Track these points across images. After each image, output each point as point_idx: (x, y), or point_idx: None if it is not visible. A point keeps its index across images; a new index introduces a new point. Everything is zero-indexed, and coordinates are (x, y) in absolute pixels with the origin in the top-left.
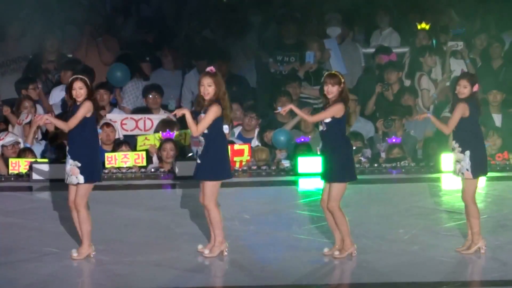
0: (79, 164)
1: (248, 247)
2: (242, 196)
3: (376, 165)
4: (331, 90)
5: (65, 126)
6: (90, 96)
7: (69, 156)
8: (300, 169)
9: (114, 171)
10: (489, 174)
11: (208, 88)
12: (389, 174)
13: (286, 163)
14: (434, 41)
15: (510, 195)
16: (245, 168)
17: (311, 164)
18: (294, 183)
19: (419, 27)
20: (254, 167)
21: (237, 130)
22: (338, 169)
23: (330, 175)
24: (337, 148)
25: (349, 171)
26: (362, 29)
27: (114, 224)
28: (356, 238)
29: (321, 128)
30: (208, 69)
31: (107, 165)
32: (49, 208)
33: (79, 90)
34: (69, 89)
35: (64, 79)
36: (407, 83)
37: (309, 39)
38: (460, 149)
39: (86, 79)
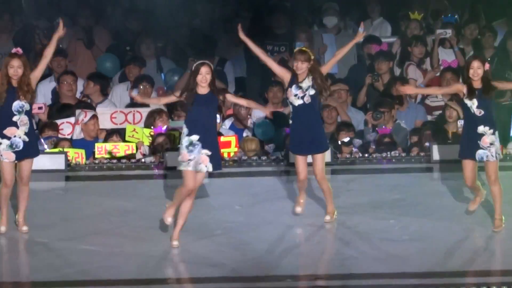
0: (209, 153)
1: (239, 238)
2: (233, 186)
3: (366, 155)
4: (301, 67)
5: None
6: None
7: (200, 145)
8: (292, 159)
9: (105, 161)
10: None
11: (206, 76)
12: (380, 164)
13: (273, 156)
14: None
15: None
16: (235, 158)
17: None
18: (286, 173)
19: (411, 16)
20: (245, 158)
21: (229, 122)
22: (325, 139)
23: (321, 145)
24: (319, 119)
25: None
26: (353, 19)
27: (104, 214)
28: (347, 228)
29: (303, 101)
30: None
31: (97, 155)
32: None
33: (206, 76)
34: (194, 74)
35: (57, 70)
36: (399, 72)
37: (299, 29)
38: (491, 131)
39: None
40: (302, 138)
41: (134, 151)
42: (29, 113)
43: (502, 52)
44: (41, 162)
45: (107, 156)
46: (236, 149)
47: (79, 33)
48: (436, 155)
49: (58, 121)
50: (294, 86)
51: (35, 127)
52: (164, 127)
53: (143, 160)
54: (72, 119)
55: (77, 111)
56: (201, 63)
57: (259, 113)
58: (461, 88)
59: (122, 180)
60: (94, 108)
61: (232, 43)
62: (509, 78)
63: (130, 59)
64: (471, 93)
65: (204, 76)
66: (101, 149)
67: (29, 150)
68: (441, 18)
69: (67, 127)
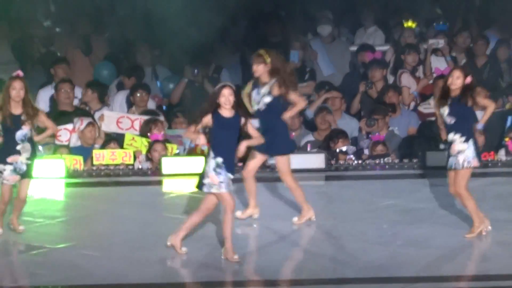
0: (232, 177)
1: (235, 243)
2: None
3: (360, 161)
4: (256, 69)
5: None
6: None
7: (224, 166)
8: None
9: (103, 167)
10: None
11: (229, 98)
12: (373, 171)
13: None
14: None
15: (492, 190)
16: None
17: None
18: (278, 178)
19: (405, 25)
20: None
21: None
22: (284, 143)
23: (278, 148)
24: (279, 123)
25: None
26: (347, 27)
27: (102, 220)
28: (340, 233)
29: (259, 108)
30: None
31: (95, 162)
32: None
33: (229, 98)
34: (216, 97)
35: (57, 76)
36: (392, 80)
37: (293, 38)
38: (463, 139)
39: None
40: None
41: (132, 158)
42: (31, 139)
43: (494, 60)
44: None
45: (105, 162)
46: None
47: (77, 41)
48: (429, 162)
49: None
50: (255, 91)
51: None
52: (161, 134)
53: (140, 166)
54: (69, 126)
55: (75, 119)
56: (222, 86)
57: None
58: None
59: (120, 186)
60: (92, 115)
61: (228, 51)
62: (501, 85)
63: (127, 70)
64: (443, 100)
65: (227, 98)
66: (99, 156)
67: (30, 172)
68: (433, 26)
69: (64, 134)
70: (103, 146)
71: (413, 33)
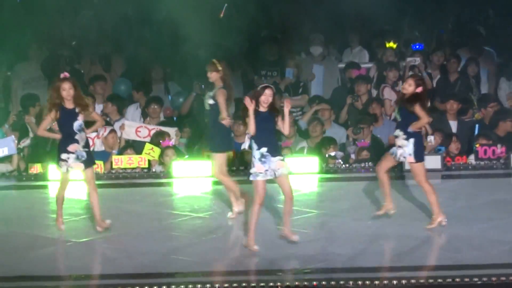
0: (282, 157)
1: (237, 237)
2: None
3: (347, 165)
4: (210, 76)
5: None
6: None
7: (269, 155)
8: None
9: (121, 171)
10: (445, 172)
11: (269, 98)
12: (359, 173)
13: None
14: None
15: (464, 191)
16: (233, 168)
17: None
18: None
19: (387, 45)
20: (242, 168)
21: None
22: (218, 142)
23: (213, 146)
24: (216, 124)
25: None
26: (336, 47)
27: (120, 216)
28: (330, 228)
29: (207, 107)
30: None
31: (114, 166)
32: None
33: (269, 98)
34: (258, 94)
35: (100, 92)
36: (375, 94)
37: (288, 57)
38: (405, 136)
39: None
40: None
41: (147, 163)
42: (84, 130)
43: (464, 76)
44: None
45: (123, 166)
46: None
47: (98, 60)
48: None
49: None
50: (209, 93)
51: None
52: (172, 140)
53: (153, 170)
54: (92, 134)
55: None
56: (265, 86)
57: None
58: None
59: (136, 187)
60: (112, 125)
61: (230, 69)
62: (471, 98)
63: (136, 85)
64: (397, 101)
65: (267, 97)
66: (118, 161)
67: (91, 159)
68: (411, 46)
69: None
70: (120, 152)
71: (394, 52)
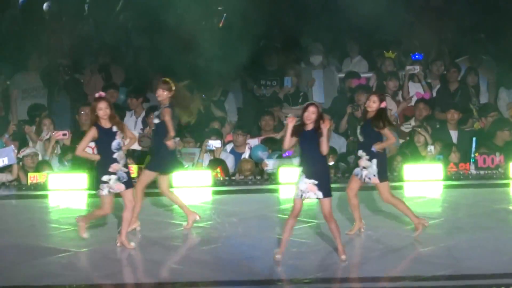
0: (316, 182)
1: (237, 247)
2: (232, 202)
3: (347, 175)
4: (161, 94)
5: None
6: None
7: (304, 175)
8: (281, 179)
9: None
10: (446, 182)
11: (312, 115)
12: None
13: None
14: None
15: (464, 201)
16: (233, 178)
17: (291, 174)
18: (276, 191)
19: (386, 55)
20: (241, 177)
21: (229, 146)
22: (164, 162)
23: (159, 166)
24: (161, 144)
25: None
26: (335, 57)
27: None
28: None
29: (152, 126)
30: None
31: None
32: (62, 212)
33: (311, 115)
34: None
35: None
36: None
37: (288, 66)
38: (367, 157)
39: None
40: (152, 155)
41: None
42: (122, 149)
43: (464, 86)
44: (66, 182)
45: None
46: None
47: (98, 69)
48: (407, 175)
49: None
50: (155, 113)
51: (58, 151)
52: None
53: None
54: (92, 144)
55: None
56: (309, 103)
57: (254, 141)
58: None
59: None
60: None
61: (230, 78)
62: (472, 108)
63: (131, 92)
64: (359, 119)
65: (309, 115)
66: None
67: (131, 181)
68: (410, 56)
69: (88, 151)
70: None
71: (393, 62)
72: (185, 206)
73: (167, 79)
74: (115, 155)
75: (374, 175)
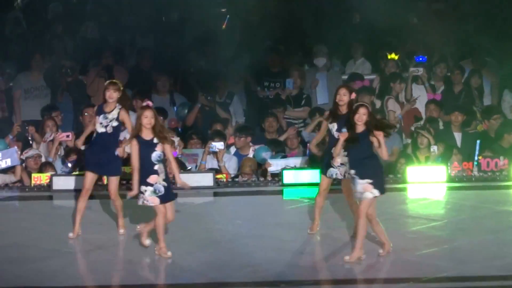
0: (371, 181)
1: (240, 248)
2: (235, 204)
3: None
4: (111, 95)
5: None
6: None
7: (357, 177)
8: (285, 180)
9: (124, 182)
10: (449, 184)
11: (363, 116)
12: None
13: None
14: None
15: (467, 202)
16: (237, 180)
17: (295, 176)
18: (280, 192)
19: (389, 57)
20: (245, 179)
21: (233, 148)
22: (118, 165)
23: (115, 170)
24: (116, 147)
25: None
26: (339, 58)
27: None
28: (334, 239)
29: (105, 130)
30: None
31: None
32: (67, 214)
33: (363, 116)
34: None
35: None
36: (378, 104)
37: (291, 68)
38: (345, 153)
39: None
40: (99, 160)
41: None
42: (164, 161)
43: (468, 88)
44: (68, 182)
45: (127, 178)
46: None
47: (101, 71)
48: (409, 177)
49: (83, 147)
50: (102, 116)
51: (62, 152)
52: (177, 150)
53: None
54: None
55: None
56: (359, 105)
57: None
58: (324, 120)
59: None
60: None
61: (233, 80)
62: (475, 110)
63: (136, 93)
64: (334, 117)
65: (360, 116)
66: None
67: (170, 194)
68: (413, 58)
69: None
70: (123, 164)
71: (396, 64)
72: (121, 215)
73: (114, 80)
74: (155, 167)
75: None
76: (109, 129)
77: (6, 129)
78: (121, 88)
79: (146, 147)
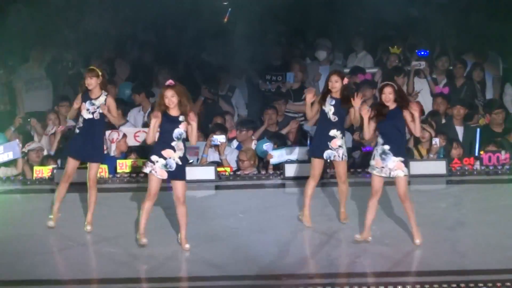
0: (403, 159)
1: (242, 242)
2: (237, 197)
3: (352, 170)
4: (90, 82)
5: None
6: None
7: (391, 154)
8: (287, 174)
9: (125, 175)
10: (450, 177)
11: (389, 95)
12: (363, 178)
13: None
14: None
15: (468, 196)
16: (239, 173)
17: (296, 170)
18: (282, 185)
19: (391, 51)
20: (247, 172)
21: (236, 142)
22: (102, 152)
23: (98, 156)
24: (102, 134)
25: None
26: (341, 51)
27: (125, 221)
28: (336, 232)
29: (92, 116)
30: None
31: (118, 170)
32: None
33: (389, 95)
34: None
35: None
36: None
37: (292, 61)
38: (341, 135)
39: None
40: (84, 146)
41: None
42: (184, 141)
43: (470, 81)
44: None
45: (128, 170)
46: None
47: (103, 65)
48: (413, 170)
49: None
50: (88, 102)
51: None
52: None
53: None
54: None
55: (107, 132)
56: (385, 84)
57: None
58: (317, 101)
59: (140, 192)
60: (117, 129)
61: (235, 73)
62: (477, 103)
63: (136, 88)
64: (325, 100)
65: (387, 96)
66: (123, 165)
67: (180, 173)
68: (415, 52)
69: None
70: (125, 157)
71: (398, 57)
72: (92, 209)
73: (92, 67)
74: (173, 143)
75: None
76: (96, 116)
77: (8, 122)
78: (100, 74)
79: (171, 123)
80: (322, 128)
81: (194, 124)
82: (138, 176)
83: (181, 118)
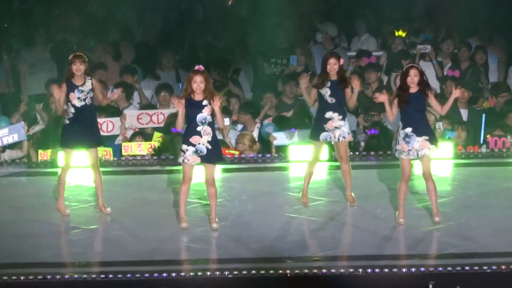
0: (427, 137)
1: (246, 224)
2: (241, 180)
3: (357, 153)
4: (78, 68)
5: None
6: None
7: (414, 135)
8: (291, 157)
9: (130, 158)
10: (456, 160)
11: (414, 78)
12: (368, 161)
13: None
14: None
15: (474, 179)
16: (243, 155)
17: (300, 152)
18: (286, 168)
19: (396, 34)
20: (251, 156)
21: (240, 125)
22: (99, 136)
23: (96, 141)
24: (96, 118)
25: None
26: (343, 35)
27: (129, 204)
28: (339, 215)
29: (85, 103)
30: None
31: (123, 153)
32: (73, 190)
33: (414, 78)
34: (404, 76)
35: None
36: (386, 80)
37: (296, 44)
38: (340, 117)
39: None
40: (83, 135)
41: (156, 149)
42: (212, 124)
43: (474, 64)
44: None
45: (133, 153)
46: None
47: (108, 48)
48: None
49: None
50: (76, 90)
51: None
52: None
53: (162, 156)
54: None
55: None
56: (410, 66)
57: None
58: (313, 87)
59: (145, 174)
60: (121, 112)
61: (241, 57)
62: (481, 87)
63: (124, 70)
64: (324, 83)
65: (412, 78)
66: (128, 148)
67: (212, 157)
68: (420, 36)
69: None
70: (130, 139)
71: (403, 41)
72: (101, 191)
73: (79, 53)
74: (198, 128)
75: (348, 133)
76: (88, 101)
77: (12, 104)
78: (86, 60)
79: (195, 109)
80: (319, 111)
81: (216, 108)
82: (143, 158)
83: (204, 102)
